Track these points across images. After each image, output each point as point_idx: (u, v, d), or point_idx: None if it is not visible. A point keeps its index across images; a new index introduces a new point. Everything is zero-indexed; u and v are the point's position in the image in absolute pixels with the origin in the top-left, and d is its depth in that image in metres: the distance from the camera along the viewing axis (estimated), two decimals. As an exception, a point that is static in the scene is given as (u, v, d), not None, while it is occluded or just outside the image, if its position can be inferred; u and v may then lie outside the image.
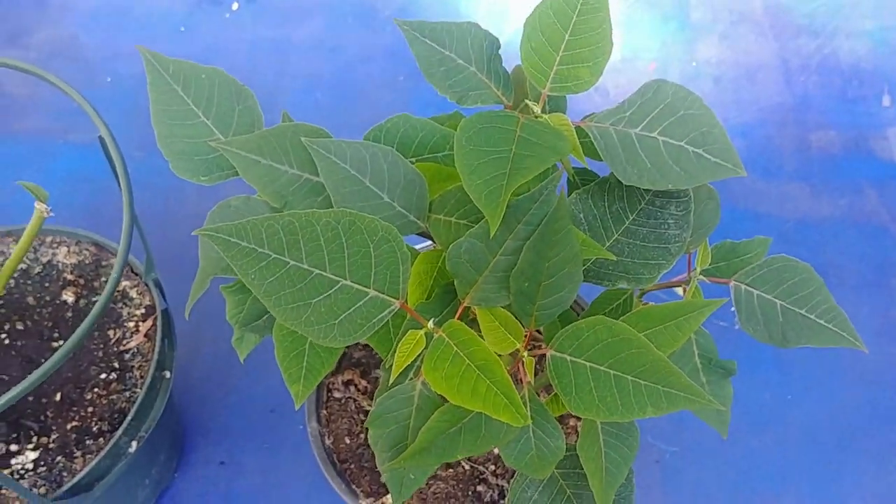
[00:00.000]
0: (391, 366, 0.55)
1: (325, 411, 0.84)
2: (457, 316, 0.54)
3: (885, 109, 1.26)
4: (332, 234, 0.50)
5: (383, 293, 0.52)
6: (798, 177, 1.22)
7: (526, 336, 0.56)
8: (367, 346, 0.89)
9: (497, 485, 0.81)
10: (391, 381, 0.54)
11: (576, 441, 0.60)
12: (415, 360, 0.56)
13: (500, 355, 0.56)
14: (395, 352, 0.54)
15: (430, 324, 0.53)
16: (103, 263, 0.93)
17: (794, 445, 1.01)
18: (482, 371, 0.51)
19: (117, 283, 0.69)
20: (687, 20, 1.39)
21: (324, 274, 0.50)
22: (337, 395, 0.86)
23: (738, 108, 1.28)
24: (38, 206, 0.71)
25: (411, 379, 0.56)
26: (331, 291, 0.51)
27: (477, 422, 0.54)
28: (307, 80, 1.35)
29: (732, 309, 1.10)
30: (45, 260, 0.93)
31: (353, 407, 0.85)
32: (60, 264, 0.92)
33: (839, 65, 1.32)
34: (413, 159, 0.60)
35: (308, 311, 0.50)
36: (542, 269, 0.52)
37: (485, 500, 0.80)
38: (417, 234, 0.60)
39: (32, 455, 0.81)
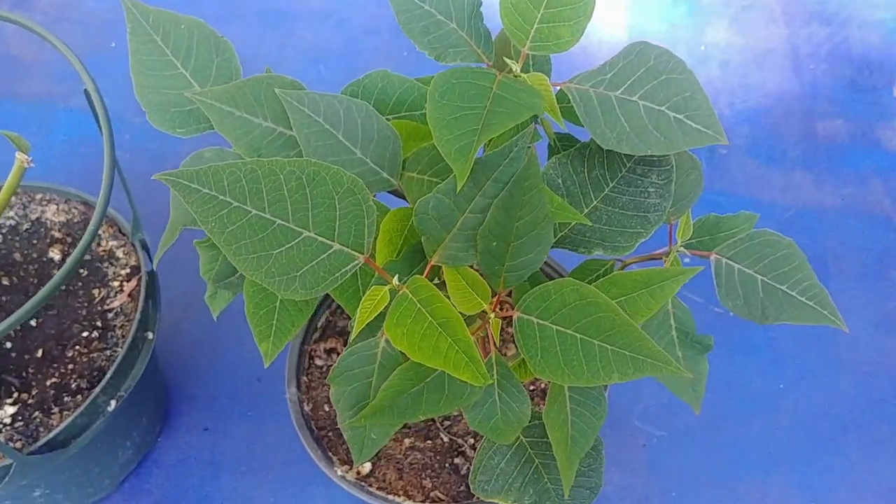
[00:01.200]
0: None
1: (305, 378, 0.84)
2: (424, 274, 0.53)
3: (895, 100, 1.24)
4: (295, 183, 0.49)
5: (347, 247, 0.51)
6: (802, 165, 1.20)
7: (495, 298, 0.55)
8: (352, 315, 0.88)
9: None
10: (352, 338, 0.53)
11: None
12: (380, 318, 0.55)
13: (468, 316, 0.55)
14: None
15: (395, 280, 0.52)
16: (91, 223, 0.92)
17: (784, 434, 0.99)
18: (444, 329, 0.50)
19: (96, 231, 0.68)
20: (698, 3, 1.37)
21: (286, 224, 0.50)
22: (318, 362, 0.85)
23: (744, 93, 1.26)
24: (19, 156, 0.71)
25: (381, 336, 0.55)
26: (293, 243, 0.50)
27: (440, 381, 0.53)
28: (312, 52, 1.34)
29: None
30: (33, 217, 0.92)
31: (334, 375, 0.84)
32: (49, 222, 0.92)
33: (849, 53, 1.30)
34: (390, 116, 0.59)
35: (269, 261, 0.49)
36: (510, 228, 0.51)
37: (461, 472, 0.79)
38: (390, 192, 0.59)
39: (11, 410, 0.81)
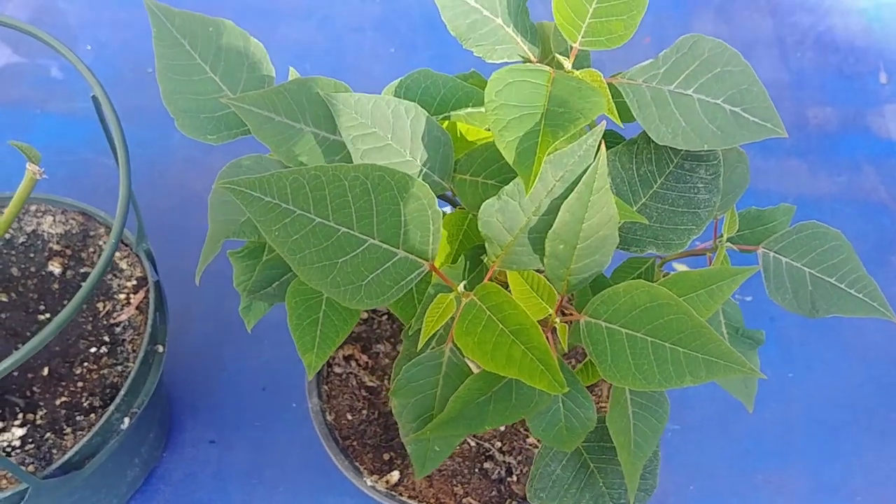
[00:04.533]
0: (415, 332, 0.52)
1: (325, 387, 0.82)
2: (485, 280, 0.52)
3: (882, 87, 1.25)
4: (360, 189, 0.47)
5: (413, 254, 0.49)
6: (796, 153, 1.20)
7: (558, 302, 0.53)
8: (367, 320, 0.86)
9: (504, 462, 0.78)
10: (419, 348, 0.51)
11: (600, 414, 0.58)
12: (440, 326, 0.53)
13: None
14: (420, 317, 0.51)
15: (461, 287, 0.50)
16: (91, 233, 0.89)
17: (796, 423, 1.00)
18: (517, 336, 0.48)
19: (115, 248, 0.65)
20: (682, -5, 1.37)
21: (351, 232, 0.48)
22: (337, 370, 0.83)
23: (734, 83, 1.26)
24: (31, 167, 0.68)
25: (436, 346, 0.53)
26: (358, 251, 0.48)
27: (507, 390, 0.51)
28: (296, 50, 1.31)
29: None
30: (29, 229, 0.89)
31: (354, 383, 0.82)
32: (46, 234, 0.88)
33: (835, 41, 1.31)
34: (436, 116, 0.57)
35: (334, 271, 0.47)
36: (577, 231, 0.50)
37: (492, 477, 0.78)
38: (438, 197, 0.57)
39: (19, 432, 0.77)
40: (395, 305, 0.55)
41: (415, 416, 0.52)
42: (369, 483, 0.76)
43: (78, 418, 0.78)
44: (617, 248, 0.58)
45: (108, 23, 1.32)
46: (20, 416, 0.79)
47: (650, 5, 1.39)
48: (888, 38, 1.32)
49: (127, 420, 0.79)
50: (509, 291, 0.52)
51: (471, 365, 0.53)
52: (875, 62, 1.30)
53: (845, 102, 1.25)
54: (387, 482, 0.77)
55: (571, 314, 0.53)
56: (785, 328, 1.05)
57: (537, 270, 0.53)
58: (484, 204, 0.50)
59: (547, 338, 0.54)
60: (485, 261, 0.54)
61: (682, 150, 0.57)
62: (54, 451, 0.76)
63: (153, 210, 1.11)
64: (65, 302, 0.84)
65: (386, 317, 0.86)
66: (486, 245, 0.51)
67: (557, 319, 0.53)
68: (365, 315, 0.86)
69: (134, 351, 0.82)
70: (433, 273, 0.51)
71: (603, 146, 0.49)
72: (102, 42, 1.31)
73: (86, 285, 0.62)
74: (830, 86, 1.27)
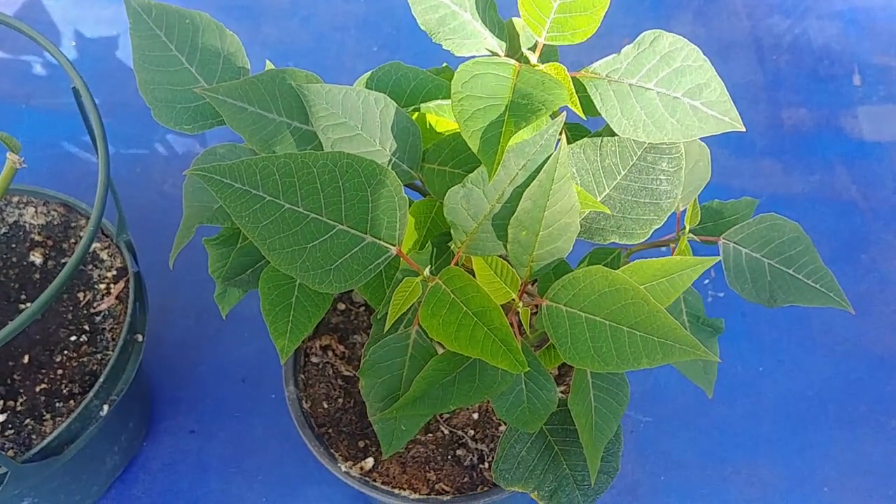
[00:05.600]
0: (383, 315, 0.54)
1: (302, 376, 0.83)
2: (451, 265, 0.53)
3: (856, 88, 1.28)
4: (328, 176, 0.49)
5: (380, 239, 0.51)
6: (770, 153, 1.22)
7: (521, 287, 0.55)
8: (344, 311, 0.88)
9: (476, 449, 0.80)
10: (385, 329, 0.53)
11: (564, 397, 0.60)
12: (408, 310, 0.55)
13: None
14: (388, 300, 0.53)
15: (426, 271, 0.52)
16: (72, 224, 0.90)
17: (766, 416, 1.02)
18: (480, 318, 0.50)
19: (93, 237, 0.67)
20: (661, -3, 1.39)
21: (320, 218, 0.49)
22: (314, 359, 0.84)
23: (711, 84, 1.28)
24: (11, 156, 0.69)
25: (403, 329, 0.55)
26: (327, 236, 0.49)
27: (471, 371, 0.53)
28: (279, 48, 1.33)
29: (706, 282, 1.11)
30: (11, 220, 0.90)
31: (330, 372, 0.84)
32: (28, 225, 0.90)
33: (810, 44, 1.33)
34: (406, 108, 0.59)
35: (303, 256, 0.49)
36: (539, 218, 0.52)
37: (464, 464, 0.79)
38: (406, 185, 0.59)
39: (0, 418, 0.79)
40: (366, 290, 0.57)
41: (382, 396, 0.54)
42: (344, 469, 0.77)
43: (57, 405, 0.80)
44: (580, 237, 0.60)
45: (92, 20, 1.33)
46: (0, 402, 0.80)
47: (630, 7, 1.42)
48: (862, 41, 1.34)
49: (106, 407, 0.81)
50: (475, 277, 0.54)
51: (437, 347, 0.55)
52: (849, 64, 1.32)
53: (819, 104, 1.27)
54: (361, 468, 0.78)
55: (534, 299, 0.55)
56: (756, 323, 1.07)
57: (502, 257, 0.54)
58: (449, 191, 0.51)
59: (511, 322, 0.56)
60: (451, 247, 0.56)
61: (645, 142, 0.59)
62: (34, 436, 0.78)
63: (136, 204, 1.13)
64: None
65: (363, 308, 0.88)
66: (452, 231, 0.53)
67: (521, 304, 0.54)
68: (342, 306, 0.88)
69: (113, 340, 0.84)
70: (401, 258, 0.52)
71: (563, 136, 0.51)
72: (86, 39, 1.32)
73: (63, 271, 0.64)
74: (805, 87, 1.29)
